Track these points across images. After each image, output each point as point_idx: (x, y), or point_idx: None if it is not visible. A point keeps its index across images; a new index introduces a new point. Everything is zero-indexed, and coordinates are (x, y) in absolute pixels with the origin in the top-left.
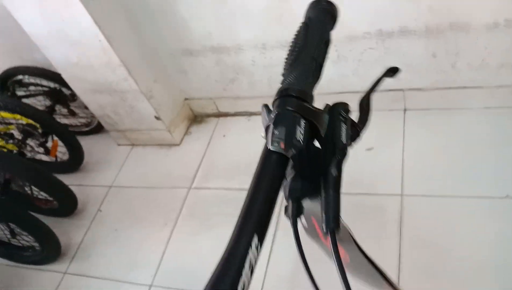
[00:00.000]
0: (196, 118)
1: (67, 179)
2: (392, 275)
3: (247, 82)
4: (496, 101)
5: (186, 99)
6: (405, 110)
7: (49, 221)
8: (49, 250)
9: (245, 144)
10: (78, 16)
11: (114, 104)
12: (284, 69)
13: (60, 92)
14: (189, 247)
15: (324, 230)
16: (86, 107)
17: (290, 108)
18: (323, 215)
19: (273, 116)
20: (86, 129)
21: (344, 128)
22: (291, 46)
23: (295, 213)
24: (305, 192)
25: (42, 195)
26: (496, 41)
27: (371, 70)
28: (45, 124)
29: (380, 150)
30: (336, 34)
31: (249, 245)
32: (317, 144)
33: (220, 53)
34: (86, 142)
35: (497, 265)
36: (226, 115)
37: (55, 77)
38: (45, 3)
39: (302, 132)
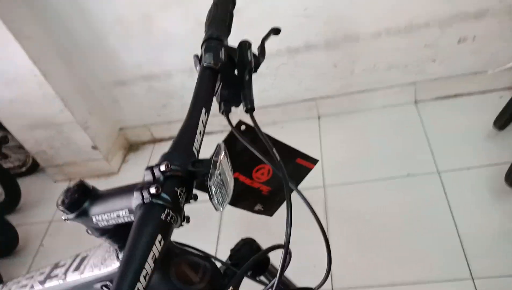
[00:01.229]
0: (132, 147)
1: None
2: (323, 249)
3: (179, 105)
4: (390, 100)
5: (121, 129)
6: (319, 116)
7: None
8: None
9: None
10: (13, 54)
11: (51, 138)
12: (206, 27)
13: None
14: None
15: (244, 110)
16: (20, 147)
17: (213, 44)
18: (243, 102)
19: (203, 50)
20: (20, 171)
21: (248, 52)
22: (207, 15)
23: (226, 109)
24: (230, 97)
25: None
26: (381, 47)
27: (286, 82)
28: None
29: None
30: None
31: (200, 113)
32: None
33: (151, 80)
34: (21, 184)
35: (406, 230)
36: (161, 140)
37: None
38: None
39: (223, 54)
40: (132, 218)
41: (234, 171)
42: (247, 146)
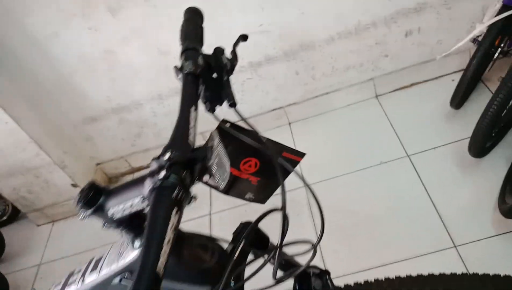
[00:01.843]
0: (111, 180)
1: None
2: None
3: (152, 133)
4: (353, 98)
5: (98, 164)
6: (289, 123)
7: None
8: None
9: None
10: None
11: (28, 183)
12: (181, 41)
13: None
14: None
15: (228, 105)
16: None
17: (190, 53)
18: (226, 100)
19: (183, 59)
20: (0, 220)
21: (223, 56)
22: (180, 31)
23: (211, 108)
24: (213, 98)
25: None
26: (336, 50)
27: (253, 95)
28: None
29: None
30: None
31: (190, 110)
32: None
33: (121, 112)
34: (3, 233)
35: (387, 212)
36: (140, 169)
37: None
38: None
39: (202, 60)
40: (145, 204)
41: None
42: (237, 136)
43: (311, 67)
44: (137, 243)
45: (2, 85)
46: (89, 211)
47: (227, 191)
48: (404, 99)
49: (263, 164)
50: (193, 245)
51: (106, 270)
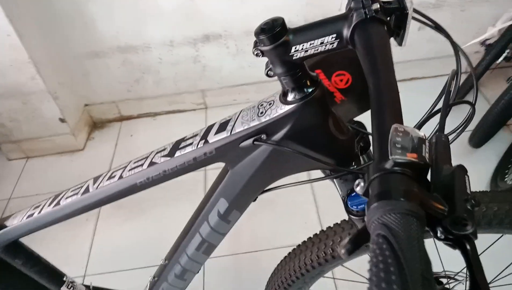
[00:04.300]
0: (96, 125)
1: None
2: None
3: (152, 81)
4: None
5: (86, 105)
6: None
7: None
8: None
9: (155, 139)
10: None
11: (13, 109)
12: None
13: None
14: (118, 234)
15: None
16: None
17: None
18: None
19: None
20: None
21: None
22: None
23: None
24: None
25: None
26: None
27: (264, 61)
28: None
29: None
30: (236, 30)
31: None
32: None
33: (127, 52)
34: None
35: None
36: (129, 118)
37: None
38: None
39: None
40: (336, 45)
41: (317, 68)
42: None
43: None
44: (291, 96)
45: None
46: (271, 46)
47: None
48: (403, 91)
49: (355, 83)
50: (336, 115)
51: (240, 129)
